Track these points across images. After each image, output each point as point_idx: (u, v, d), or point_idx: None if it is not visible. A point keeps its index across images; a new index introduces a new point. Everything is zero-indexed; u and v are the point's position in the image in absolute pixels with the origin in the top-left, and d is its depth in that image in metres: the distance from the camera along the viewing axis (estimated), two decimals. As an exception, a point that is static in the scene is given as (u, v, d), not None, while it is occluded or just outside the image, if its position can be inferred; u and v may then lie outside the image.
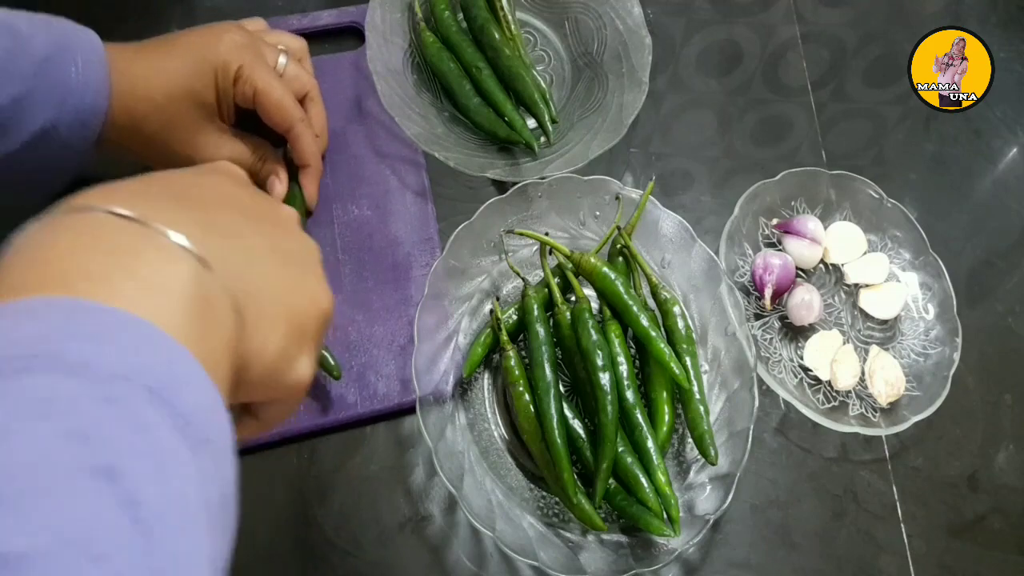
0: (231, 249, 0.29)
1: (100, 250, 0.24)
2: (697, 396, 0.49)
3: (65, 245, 0.24)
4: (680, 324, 0.51)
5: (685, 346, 0.51)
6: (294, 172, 0.55)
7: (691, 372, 0.50)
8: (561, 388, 0.50)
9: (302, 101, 0.54)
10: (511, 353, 0.49)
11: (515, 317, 0.52)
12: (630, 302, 0.50)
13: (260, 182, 0.55)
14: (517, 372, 0.49)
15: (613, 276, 0.51)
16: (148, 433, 0.21)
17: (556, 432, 0.46)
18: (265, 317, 0.30)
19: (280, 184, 0.54)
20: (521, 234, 0.53)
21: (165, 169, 0.53)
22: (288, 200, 0.54)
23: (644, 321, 0.49)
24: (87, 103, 0.43)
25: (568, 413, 0.49)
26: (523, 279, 0.52)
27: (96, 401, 0.20)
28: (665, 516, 0.46)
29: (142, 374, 0.21)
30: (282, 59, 0.52)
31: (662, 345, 0.48)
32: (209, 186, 0.34)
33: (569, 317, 0.50)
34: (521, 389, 0.48)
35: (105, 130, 0.45)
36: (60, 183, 0.47)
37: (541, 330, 0.50)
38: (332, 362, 0.50)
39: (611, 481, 0.48)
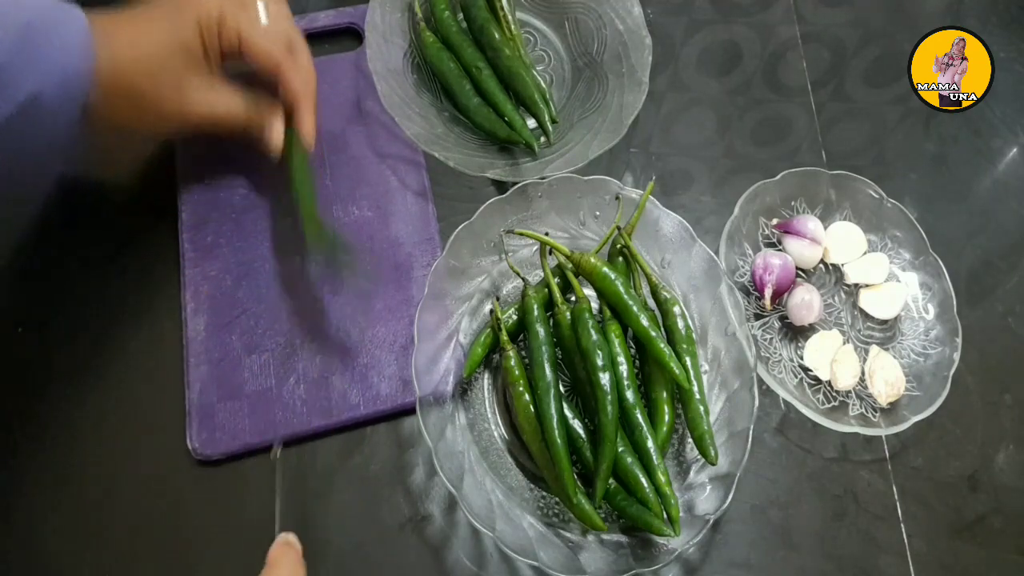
0: None
1: None
2: (697, 396, 0.49)
3: None
4: (680, 324, 0.51)
5: (685, 346, 0.51)
6: (290, 119, 0.55)
7: (691, 372, 0.50)
8: (561, 388, 0.50)
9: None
10: (511, 353, 0.49)
11: (515, 317, 0.52)
12: (630, 302, 0.50)
13: (258, 130, 0.54)
14: (517, 372, 0.49)
15: (613, 276, 0.51)
16: None
17: (556, 432, 0.46)
18: None
19: (278, 129, 0.54)
20: (521, 234, 0.53)
21: (156, 134, 0.54)
22: (287, 144, 0.54)
23: (644, 321, 0.49)
24: (71, 69, 0.43)
25: (568, 413, 0.49)
26: (523, 279, 0.52)
27: None
28: (665, 516, 0.46)
29: None
30: (260, 5, 0.52)
31: (662, 345, 0.48)
32: None
33: (569, 317, 0.50)
34: (521, 389, 0.48)
35: (93, 96, 0.44)
36: (51, 164, 0.46)
37: (541, 330, 0.50)
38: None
39: (611, 481, 0.48)
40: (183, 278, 0.54)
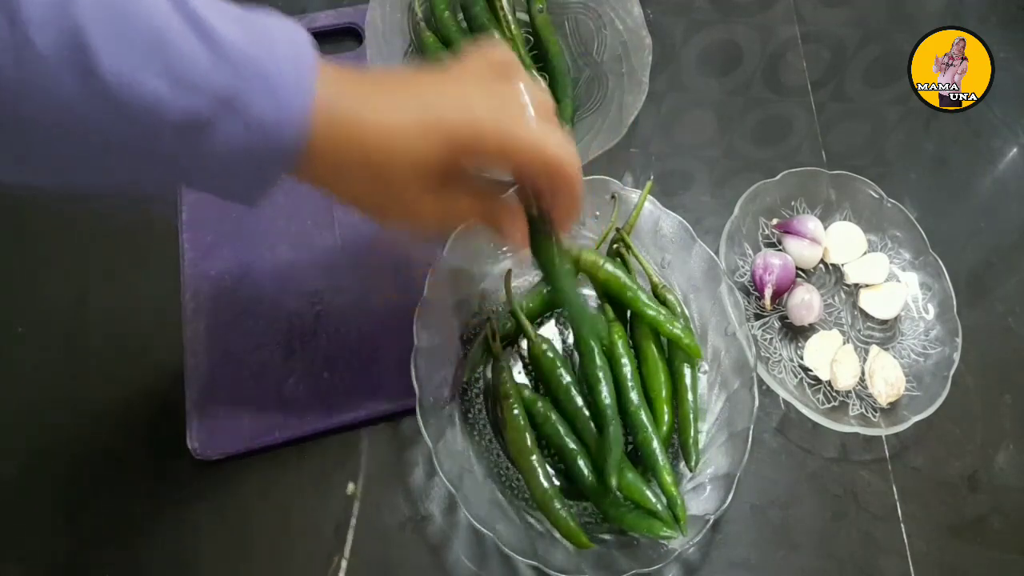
0: None
1: None
2: (690, 400, 0.49)
3: None
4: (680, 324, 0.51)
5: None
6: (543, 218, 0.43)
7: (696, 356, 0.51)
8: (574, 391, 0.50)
9: None
10: (504, 365, 0.49)
11: (511, 321, 0.52)
12: (633, 288, 0.50)
13: (496, 234, 0.43)
14: (508, 385, 0.49)
15: (612, 268, 0.51)
16: None
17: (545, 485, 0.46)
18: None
19: (522, 232, 0.43)
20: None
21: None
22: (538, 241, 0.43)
23: (651, 307, 0.50)
24: (283, 139, 0.34)
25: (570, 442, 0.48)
26: (522, 323, 0.52)
27: None
28: (671, 516, 0.46)
29: None
30: (526, 97, 0.40)
31: (670, 325, 0.49)
32: None
33: (545, 348, 0.50)
34: (512, 401, 0.48)
35: (301, 163, 0.36)
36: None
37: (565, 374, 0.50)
38: None
39: (603, 494, 0.47)
40: (183, 278, 0.54)
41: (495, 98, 0.38)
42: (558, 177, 0.40)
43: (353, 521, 0.48)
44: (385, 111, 0.36)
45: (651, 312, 0.50)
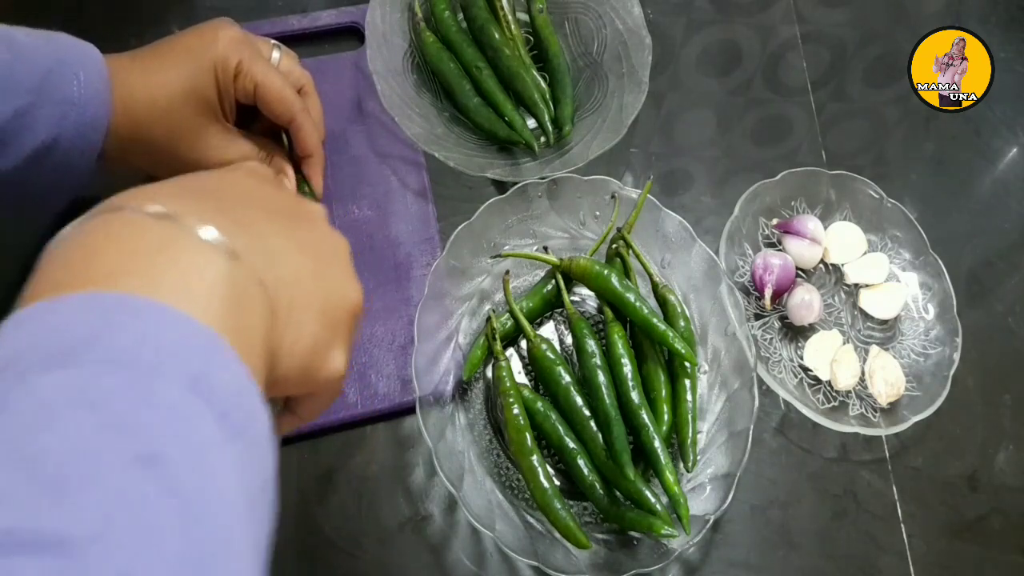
0: (259, 243, 0.29)
1: (139, 248, 0.25)
2: (689, 401, 0.49)
3: (106, 244, 0.25)
4: (680, 324, 0.51)
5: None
6: (297, 166, 0.55)
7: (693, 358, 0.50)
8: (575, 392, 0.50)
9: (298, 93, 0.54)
10: (504, 363, 0.49)
11: (511, 321, 0.52)
12: (626, 293, 0.50)
13: None
14: (508, 383, 0.49)
15: (607, 272, 0.50)
16: (188, 423, 0.22)
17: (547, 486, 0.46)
18: (297, 308, 0.30)
19: (290, 182, 0.54)
20: (506, 256, 0.53)
21: (171, 178, 0.53)
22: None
23: (643, 309, 0.49)
24: (88, 117, 0.43)
25: (570, 443, 0.49)
26: (521, 323, 0.52)
27: (139, 393, 0.21)
28: (673, 516, 0.45)
29: (183, 368, 0.22)
30: (275, 53, 0.53)
31: (663, 327, 0.48)
32: (235, 184, 0.34)
33: (544, 348, 0.50)
34: (511, 400, 0.48)
35: (108, 143, 0.44)
36: (61, 201, 0.46)
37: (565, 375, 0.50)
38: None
39: (603, 494, 0.47)
40: (183, 278, 0.54)
41: (248, 45, 0.50)
42: (293, 127, 0.52)
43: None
44: (158, 59, 0.47)
45: (642, 316, 0.50)
